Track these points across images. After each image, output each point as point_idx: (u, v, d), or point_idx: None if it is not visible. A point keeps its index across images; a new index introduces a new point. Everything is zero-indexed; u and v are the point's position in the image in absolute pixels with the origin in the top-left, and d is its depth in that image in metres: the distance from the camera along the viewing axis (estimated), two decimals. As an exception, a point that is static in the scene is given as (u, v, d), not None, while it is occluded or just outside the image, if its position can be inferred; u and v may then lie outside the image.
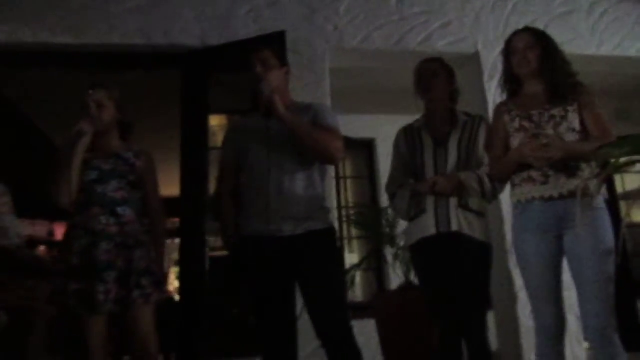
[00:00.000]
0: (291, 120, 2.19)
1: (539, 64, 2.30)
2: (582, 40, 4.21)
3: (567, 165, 2.15)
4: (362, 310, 4.38)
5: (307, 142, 2.21)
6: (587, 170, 2.14)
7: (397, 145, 2.70)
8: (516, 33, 2.40)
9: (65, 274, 2.33)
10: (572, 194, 2.11)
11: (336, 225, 3.94)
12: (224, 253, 2.48)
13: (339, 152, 2.26)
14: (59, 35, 3.52)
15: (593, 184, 2.09)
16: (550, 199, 2.18)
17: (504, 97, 2.49)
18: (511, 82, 2.42)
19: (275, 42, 3.27)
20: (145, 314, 2.38)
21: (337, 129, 2.32)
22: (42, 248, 7.12)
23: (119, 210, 2.41)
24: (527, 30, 2.40)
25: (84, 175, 2.40)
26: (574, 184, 2.13)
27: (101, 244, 2.33)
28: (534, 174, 2.22)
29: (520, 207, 2.28)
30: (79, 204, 2.41)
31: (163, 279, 2.48)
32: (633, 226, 6.16)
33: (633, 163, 1.57)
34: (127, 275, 2.34)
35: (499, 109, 2.43)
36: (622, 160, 1.35)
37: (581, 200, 2.08)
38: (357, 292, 5.68)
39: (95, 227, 2.35)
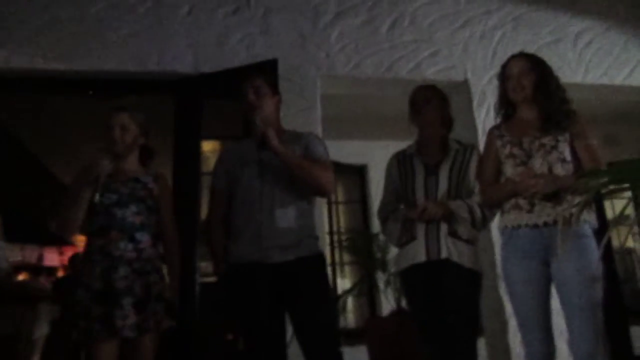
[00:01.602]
0: (284, 154, 2.22)
1: (533, 90, 2.32)
2: (569, 69, 4.29)
3: (553, 194, 2.17)
4: (354, 337, 4.36)
5: (299, 175, 2.24)
6: (574, 199, 2.16)
7: (389, 171, 2.72)
8: (512, 58, 2.42)
9: (90, 298, 2.30)
10: (557, 222, 2.14)
11: (327, 250, 3.95)
12: (215, 279, 2.47)
13: (330, 185, 2.30)
14: (52, 61, 3.54)
15: (574, 212, 2.10)
16: (536, 226, 2.20)
17: (494, 123, 2.51)
18: (505, 106, 2.44)
19: (267, 70, 3.30)
20: (149, 340, 2.36)
21: (328, 161, 2.35)
22: (22, 275, 7.05)
23: (137, 235, 2.40)
24: (523, 55, 2.42)
25: (103, 198, 2.39)
26: (558, 212, 2.15)
27: (119, 269, 2.32)
28: (521, 201, 2.24)
29: (507, 233, 2.30)
30: (97, 227, 2.40)
31: (174, 306, 2.45)
32: (624, 252, 6.20)
33: (618, 191, 1.59)
34: (144, 301, 2.33)
35: (491, 133, 2.46)
36: (606, 189, 1.37)
37: (566, 228, 2.10)
38: (349, 318, 5.65)
39: (113, 252, 2.34)
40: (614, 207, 5.56)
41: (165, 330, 2.39)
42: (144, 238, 2.42)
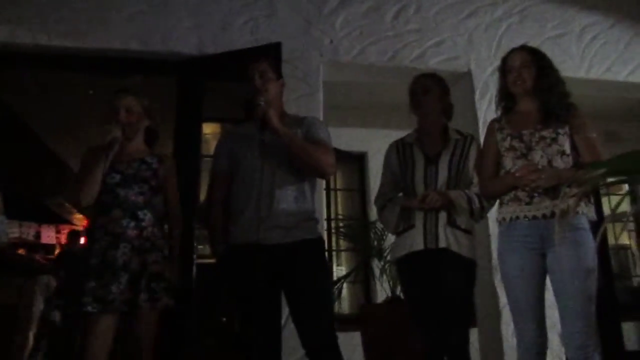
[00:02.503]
0: (285, 134, 2.22)
1: (533, 83, 2.32)
2: (573, 63, 4.28)
3: (553, 187, 2.18)
4: (348, 323, 4.39)
5: (299, 155, 2.24)
6: (572, 192, 2.17)
7: (387, 159, 2.73)
8: (513, 51, 2.42)
9: (83, 273, 2.33)
10: (555, 215, 2.16)
11: (325, 236, 3.96)
12: (212, 260, 2.49)
13: (330, 167, 2.30)
14: (57, 38, 3.53)
15: (571, 204, 2.11)
16: (534, 218, 2.21)
17: (495, 115, 2.52)
18: (505, 99, 2.45)
19: (271, 53, 3.30)
20: (148, 318, 2.39)
21: (329, 144, 2.35)
22: (19, 251, 7.10)
23: (140, 214, 2.43)
24: (524, 48, 2.42)
25: (107, 178, 2.43)
26: (556, 204, 2.16)
27: (120, 246, 2.35)
28: (520, 193, 2.25)
29: (504, 225, 2.32)
30: (101, 206, 2.43)
31: (174, 286, 2.47)
32: (618, 248, 6.22)
33: (616, 184, 1.61)
34: (138, 277, 2.35)
35: (492, 125, 2.46)
36: (604, 181, 1.37)
37: (563, 220, 2.11)
38: (344, 304, 5.68)
39: (115, 230, 2.38)
40: (610, 202, 5.56)
41: (163, 308, 2.40)
42: (146, 217, 2.45)
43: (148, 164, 2.54)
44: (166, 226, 2.58)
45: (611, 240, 5.85)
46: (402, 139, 2.71)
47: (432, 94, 2.62)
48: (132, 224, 2.41)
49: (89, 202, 2.40)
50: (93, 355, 2.28)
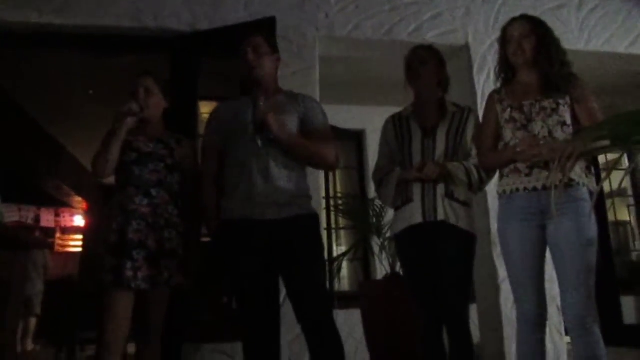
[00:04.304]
0: (288, 140, 2.23)
1: (533, 53, 2.29)
2: (571, 35, 4.22)
3: (553, 159, 2.15)
4: (347, 300, 4.40)
5: (304, 157, 2.28)
6: (577, 165, 2.13)
7: (384, 134, 2.70)
8: (512, 21, 2.38)
9: (104, 251, 2.36)
10: (556, 186, 2.13)
11: (324, 214, 3.93)
12: (207, 239, 2.48)
13: (336, 162, 2.34)
14: (48, 15, 3.47)
15: (567, 168, 2.07)
16: (534, 189, 2.19)
17: (494, 88, 2.48)
18: (505, 70, 2.42)
19: (265, 29, 3.24)
20: (160, 296, 2.41)
21: (329, 132, 2.35)
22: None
23: (153, 191, 2.44)
24: (524, 18, 2.38)
25: (124, 156, 2.45)
26: (552, 170, 2.13)
27: (132, 222, 2.37)
28: (520, 165, 2.23)
29: (505, 197, 2.30)
30: (118, 185, 2.47)
31: (189, 263, 2.47)
32: (617, 224, 6.23)
33: (605, 148, 1.56)
34: (157, 255, 2.37)
35: (492, 97, 2.43)
36: (597, 145, 1.34)
37: (563, 191, 2.09)
38: (343, 282, 5.69)
39: (129, 207, 2.39)
40: (610, 180, 5.53)
41: (176, 287, 2.42)
42: (159, 194, 2.45)
43: (165, 144, 2.55)
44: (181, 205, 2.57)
45: (611, 217, 5.85)
46: (398, 113, 2.68)
47: (429, 66, 2.57)
48: (145, 201, 2.42)
49: (105, 173, 2.41)
50: (112, 334, 2.30)
